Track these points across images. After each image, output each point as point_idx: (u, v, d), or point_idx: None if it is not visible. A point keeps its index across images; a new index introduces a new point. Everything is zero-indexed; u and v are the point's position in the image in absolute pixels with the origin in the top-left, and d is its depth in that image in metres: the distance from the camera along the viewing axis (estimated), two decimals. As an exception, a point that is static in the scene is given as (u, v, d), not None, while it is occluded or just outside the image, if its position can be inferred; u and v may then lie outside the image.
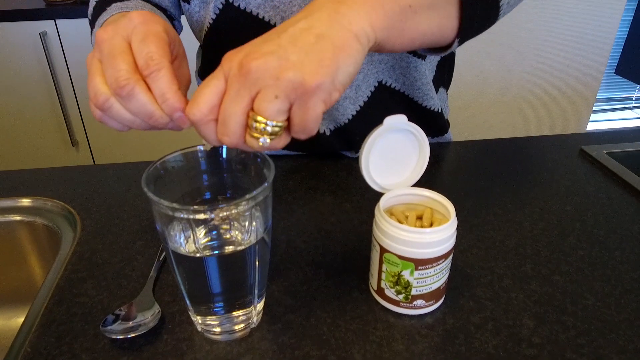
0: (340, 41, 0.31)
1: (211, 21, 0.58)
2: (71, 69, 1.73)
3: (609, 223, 0.54)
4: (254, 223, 0.35)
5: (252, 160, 0.37)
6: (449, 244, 0.39)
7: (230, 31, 0.58)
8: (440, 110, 0.68)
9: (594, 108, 2.08)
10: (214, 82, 0.32)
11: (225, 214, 0.32)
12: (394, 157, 0.42)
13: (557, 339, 0.39)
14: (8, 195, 0.58)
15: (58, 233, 0.53)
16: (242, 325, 0.39)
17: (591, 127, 2.69)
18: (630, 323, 0.41)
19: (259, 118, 0.31)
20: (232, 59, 0.32)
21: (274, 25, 0.57)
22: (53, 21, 1.65)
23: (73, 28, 1.67)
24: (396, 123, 0.40)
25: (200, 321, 0.39)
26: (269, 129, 0.31)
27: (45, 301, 0.43)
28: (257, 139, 0.31)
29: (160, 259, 0.47)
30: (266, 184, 0.33)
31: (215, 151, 0.37)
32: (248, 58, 0.31)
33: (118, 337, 0.37)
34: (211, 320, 0.38)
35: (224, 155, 0.38)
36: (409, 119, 0.40)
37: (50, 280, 0.46)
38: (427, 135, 0.59)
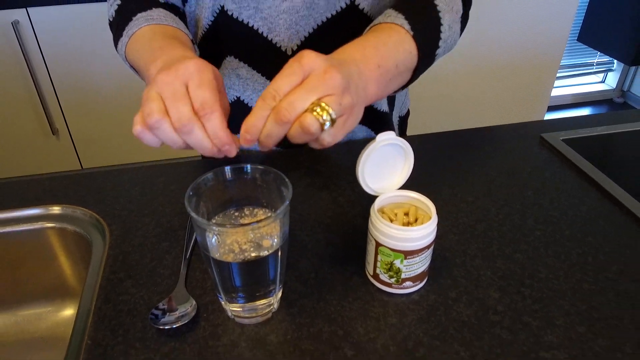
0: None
1: (208, 24, 0.67)
2: (46, 57, 1.72)
3: (561, 205, 0.64)
4: (278, 232, 0.43)
5: (273, 179, 0.44)
6: (431, 237, 0.48)
7: (224, 34, 0.67)
8: (385, 110, 0.78)
9: (557, 74, 2.17)
10: (293, 78, 0.41)
11: (256, 229, 0.40)
12: (384, 165, 0.51)
13: (516, 306, 0.50)
14: (36, 204, 0.64)
15: (87, 238, 0.60)
16: (266, 310, 0.48)
17: (555, 92, 2.82)
18: (575, 291, 0.51)
19: (323, 104, 0.40)
20: (315, 61, 0.41)
21: (261, 34, 0.64)
22: (25, 9, 1.63)
23: (46, 16, 1.65)
24: (387, 138, 0.48)
25: (231, 309, 0.47)
26: (329, 116, 0.41)
27: (93, 301, 0.50)
28: (318, 120, 0.40)
29: (187, 257, 0.55)
30: (287, 202, 0.41)
31: (242, 171, 0.45)
32: (334, 69, 0.41)
33: (166, 327, 0.45)
34: (241, 308, 0.47)
35: (249, 174, 0.45)
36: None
37: (92, 282, 0.53)
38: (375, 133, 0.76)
